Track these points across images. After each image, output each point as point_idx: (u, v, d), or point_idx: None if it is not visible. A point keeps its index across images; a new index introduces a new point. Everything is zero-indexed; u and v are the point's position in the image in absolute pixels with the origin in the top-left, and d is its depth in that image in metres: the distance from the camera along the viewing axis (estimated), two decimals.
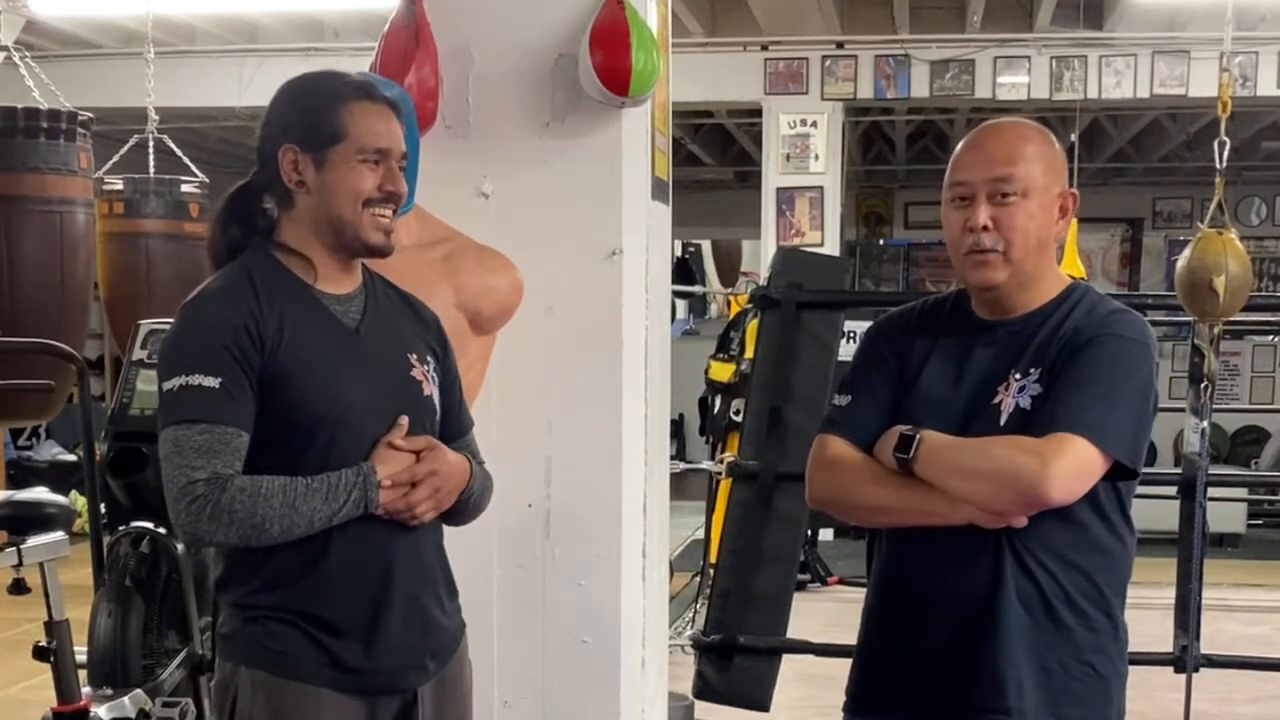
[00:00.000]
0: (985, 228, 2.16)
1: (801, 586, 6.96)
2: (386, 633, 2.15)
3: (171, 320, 2.17)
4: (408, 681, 2.19)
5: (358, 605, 2.13)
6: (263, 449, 2.08)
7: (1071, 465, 2.05)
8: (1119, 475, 2.13)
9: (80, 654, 3.76)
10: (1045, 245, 2.20)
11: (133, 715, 3.71)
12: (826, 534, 9.06)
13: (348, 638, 2.12)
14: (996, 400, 2.16)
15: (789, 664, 4.78)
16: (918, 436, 2.14)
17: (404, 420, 2.15)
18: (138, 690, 3.76)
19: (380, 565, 2.14)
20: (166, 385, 2.07)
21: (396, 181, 2.17)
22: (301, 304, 2.14)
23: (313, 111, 2.15)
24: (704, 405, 7.41)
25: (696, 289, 14.99)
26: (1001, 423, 2.14)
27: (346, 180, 2.13)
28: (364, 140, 2.14)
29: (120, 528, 3.96)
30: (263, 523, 2.03)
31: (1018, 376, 2.16)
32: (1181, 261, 4.35)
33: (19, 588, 3.77)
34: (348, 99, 2.15)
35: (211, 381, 2.04)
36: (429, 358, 2.27)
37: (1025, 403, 2.13)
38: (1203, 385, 4.54)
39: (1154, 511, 5.38)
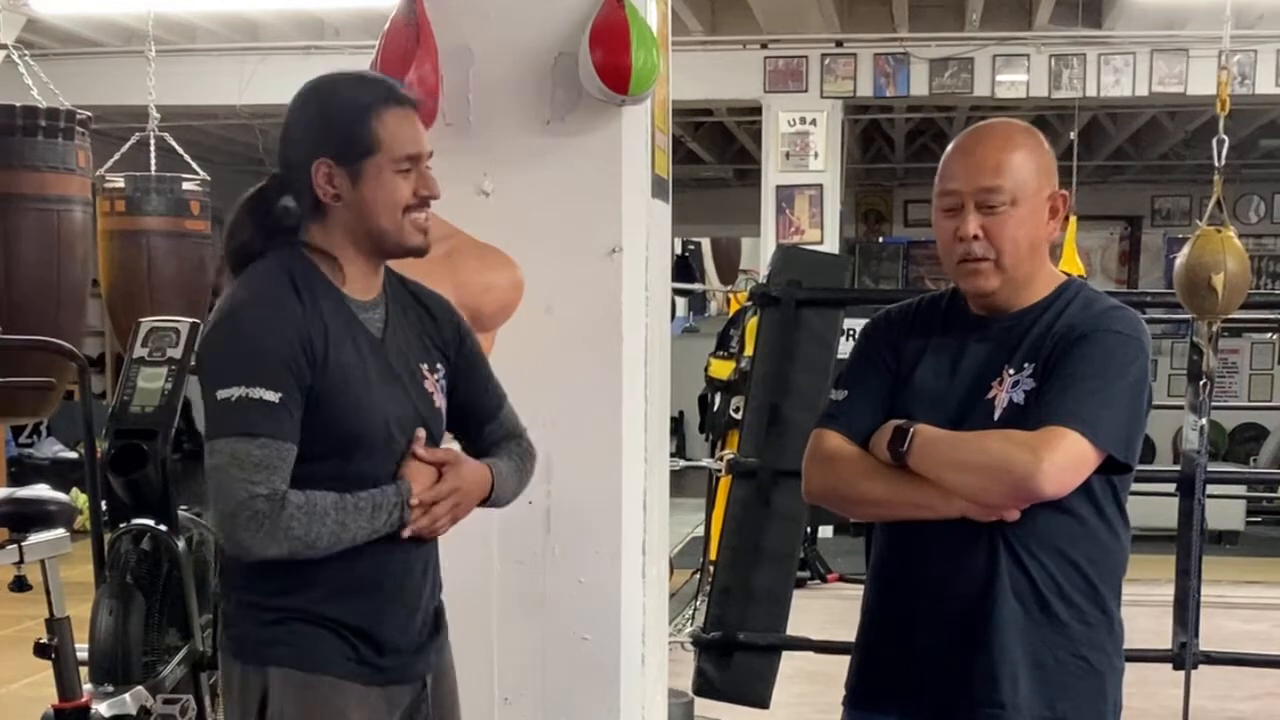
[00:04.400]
0: (976, 237, 2.16)
1: (801, 584, 6.96)
2: (402, 630, 2.22)
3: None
4: (419, 672, 2.27)
5: (376, 607, 2.18)
6: (304, 460, 2.09)
7: (1063, 458, 2.06)
8: (1112, 469, 2.14)
9: (81, 651, 3.76)
10: (1036, 248, 2.20)
11: (134, 712, 3.71)
12: (826, 531, 9.07)
13: (368, 636, 2.18)
14: (990, 395, 2.17)
15: (788, 661, 4.79)
16: (911, 430, 2.15)
17: (421, 433, 2.19)
18: (139, 687, 3.76)
19: (397, 570, 2.20)
20: (223, 393, 2.05)
21: (430, 185, 2.18)
22: (337, 313, 2.16)
23: (344, 124, 2.14)
24: (704, 402, 7.41)
25: (696, 286, 14.99)
26: (995, 417, 2.15)
27: (384, 192, 2.14)
28: (397, 150, 2.14)
29: (121, 525, 3.96)
30: (315, 540, 2.06)
31: (1011, 372, 2.17)
32: (1180, 259, 4.37)
33: (20, 585, 3.78)
34: (377, 107, 2.14)
35: (272, 396, 2.04)
36: (439, 364, 2.29)
37: (1019, 398, 2.14)
38: (1201, 383, 4.56)
39: (1153, 508, 5.40)
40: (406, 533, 2.15)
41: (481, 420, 2.35)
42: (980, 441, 2.11)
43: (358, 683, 2.17)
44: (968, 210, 2.17)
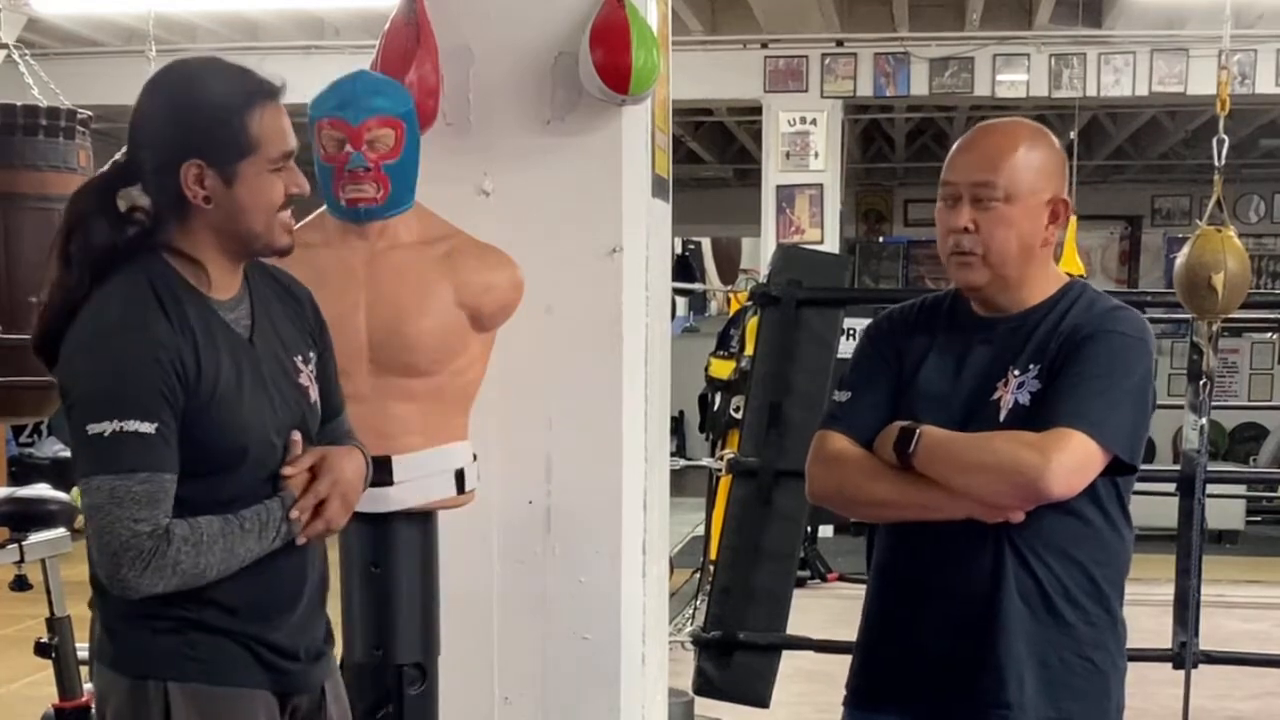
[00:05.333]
0: (966, 229, 2.17)
1: (801, 583, 6.96)
2: (303, 635, 2.16)
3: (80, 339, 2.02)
4: (318, 680, 2.21)
5: (276, 610, 2.12)
6: (183, 479, 2.00)
7: (1071, 460, 2.07)
8: (1118, 470, 2.14)
9: (82, 650, 3.77)
10: (1030, 250, 2.19)
11: None
12: (826, 531, 9.07)
13: (270, 643, 2.11)
14: (996, 396, 2.17)
15: (788, 660, 4.79)
16: (918, 432, 2.15)
17: (296, 437, 2.12)
18: None
19: (298, 575, 2.14)
20: (94, 428, 1.95)
21: (300, 182, 2.10)
22: (203, 321, 2.05)
23: (217, 124, 2.02)
24: (704, 402, 7.42)
25: (696, 286, 14.98)
26: (1001, 419, 2.15)
27: (260, 194, 2.04)
28: (274, 149, 2.05)
29: None
30: (204, 570, 1.99)
31: (1016, 373, 2.17)
32: (1180, 259, 4.37)
33: (21, 584, 3.78)
34: (252, 104, 2.03)
35: (148, 427, 1.94)
36: (310, 353, 2.21)
37: (1024, 399, 2.15)
38: (1201, 382, 4.56)
39: (1153, 508, 5.40)
40: (301, 540, 2.08)
41: (326, 415, 2.25)
42: (988, 443, 2.12)
43: (263, 689, 2.10)
44: (962, 203, 2.18)
